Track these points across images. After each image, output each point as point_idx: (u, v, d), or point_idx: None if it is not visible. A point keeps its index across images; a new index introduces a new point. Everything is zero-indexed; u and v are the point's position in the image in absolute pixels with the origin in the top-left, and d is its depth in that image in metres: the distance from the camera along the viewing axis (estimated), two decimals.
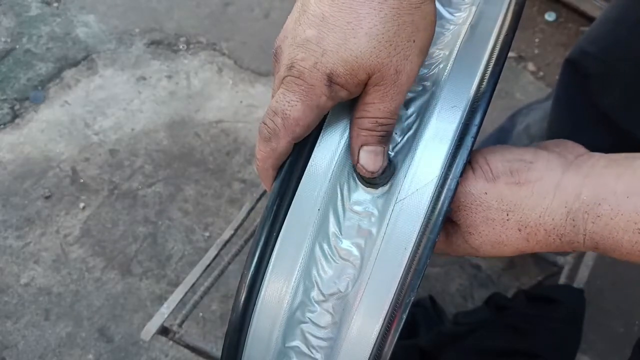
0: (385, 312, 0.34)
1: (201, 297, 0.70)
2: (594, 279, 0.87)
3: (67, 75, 1.37)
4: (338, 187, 0.36)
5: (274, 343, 0.36)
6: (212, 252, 0.71)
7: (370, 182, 0.35)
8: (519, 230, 0.34)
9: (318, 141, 0.35)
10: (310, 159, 0.35)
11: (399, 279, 0.33)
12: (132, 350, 0.98)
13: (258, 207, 0.73)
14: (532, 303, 0.82)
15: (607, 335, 0.98)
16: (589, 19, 1.47)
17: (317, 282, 0.35)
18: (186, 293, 0.68)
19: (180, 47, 1.44)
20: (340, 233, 0.35)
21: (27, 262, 1.08)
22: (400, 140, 0.36)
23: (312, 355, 0.36)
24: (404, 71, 0.32)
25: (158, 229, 1.13)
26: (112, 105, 1.32)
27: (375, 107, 0.33)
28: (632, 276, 1.06)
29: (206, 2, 1.55)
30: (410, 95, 0.36)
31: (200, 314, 1.02)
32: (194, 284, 0.69)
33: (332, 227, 0.35)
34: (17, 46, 1.41)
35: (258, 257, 0.35)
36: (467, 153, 0.34)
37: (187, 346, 0.70)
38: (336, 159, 0.35)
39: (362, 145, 0.34)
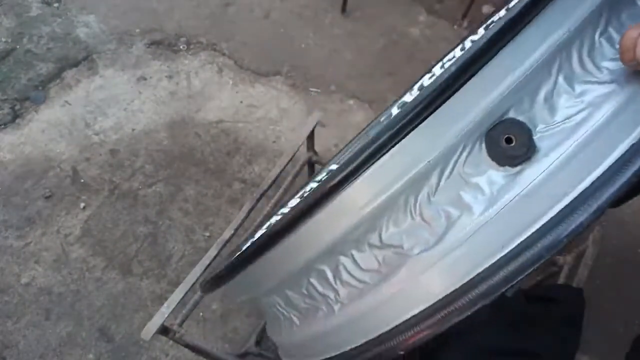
0: (441, 296, 0.29)
1: (201, 297, 0.70)
2: (593, 279, 0.87)
3: (68, 75, 1.37)
4: (461, 146, 0.30)
5: (304, 256, 0.33)
6: (212, 252, 0.71)
7: (498, 156, 0.29)
8: None
9: (465, 86, 0.29)
10: (451, 99, 0.29)
11: (480, 271, 0.29)
12: (132, 350, 0.98)
13: (258, 207, 0.74)
14: (532, 303, 0.82)
15: (606, 335, 0.98)
16: None
17: (381, 228, 0.32)
18: (186, 293, 0.68)
19: (181, 47, 1.44)
20: (434, 193, 0.31)
21: (28, 261, 1.08)
22: (557, 125, 0.29)
23: (334, 286, 0.34)
24: None
25: (158, 228, 1.13)
26: (113, 105, 1.32)
27: None
28: (632, 276, 1.06)
29: (206, 3, 1.55)
30: (590, 78, 0.29)
31: (201, 313, 1.02)
32: (194, 284, 0.69)
33: (430, 183, 0.31)
34: (18, 46, 1.42)
35: (350, 171, 0.30)
36: (634, 174, 0.27)
37: (188, 346, 0.70)
38: (478, 112, 0.30)
39: None
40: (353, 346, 0.33)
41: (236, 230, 0.73)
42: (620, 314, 1.02)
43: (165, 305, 0.66)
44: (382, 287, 0.32)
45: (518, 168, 0.29)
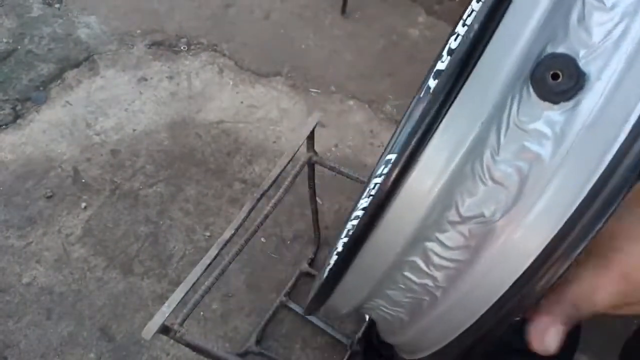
0: (534, 256, 0.28)
1: (202, 297, 0.70)
2: None
3: (69, 75, 1.38)
4: (509, 97, 0.29)
5: (391, 253, 0.33)
6: (213, 252, 0.71)
7: (550, 95, 0.28)
8: None
9: (492, 39, 0.28)
10: (482, 56, 0.28)
11: (565, 220, 0.28)
12: (133, 349, 0.99)
13: (258, 207, 0.74)
14: None
15: (605, 334, 0.98)
16: None
17: (456, 203, 0.31)
18: (187, 292, 0.68)
19: (181, 48, 1.45)
20: (498, 152, 0.30)
21: (29, 261, 1.08)
22: (598, 45, 0.28)
23: (430, 273, 0.33)
24: None
25: (159, 228, 1.13)
26: (114, 105, 1.32)
27: None
28: None
29: (207, 4, 1.55)
30: None
31: (202, 313, 1.03)
32: (195, 283, 0.69)
33: (490, 144, 0.30)
34: (19, 47, 1.42)
35: (406, 161, 0.29)
36: None
37: (188, 345, 0.70)
38: (514, 60, 0.28)
39: None
40: (470, 324, 0.32)
41: (237, 230, 0.73)
42: None
43: (166, 304, 0.66)
44: (478, 260, 0.31)
45: (574, 100, 0.28)
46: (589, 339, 0.94)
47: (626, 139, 0.27)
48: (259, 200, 0.75)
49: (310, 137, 0.79)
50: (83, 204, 1.16)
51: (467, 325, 0.32)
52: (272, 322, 1.02)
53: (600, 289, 0.30)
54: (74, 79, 1.37)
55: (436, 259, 0.32)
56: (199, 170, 1.22)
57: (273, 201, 0.77)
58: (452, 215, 0.31)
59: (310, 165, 0.85)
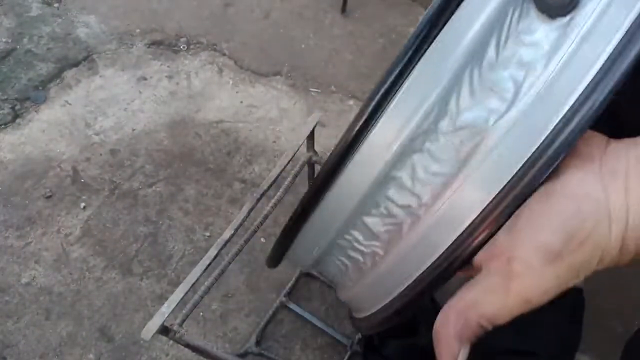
0: (527, 156, 0.29)
1: (202, 297, 0.70)
2: (593, 278, 0.87)
3: (68, 75, 1.37)
4: (511, 8, 0.30)
5: (381, 166, 0.32)
6: (212, 252, 0.71)
7: (548, 9, 0.30)
8: None
9: None
10: None
11: (559, 119, 0.28)
12: (132, 350, 0.99)
13: (258, 207, 0.74)
14: None
15: (606, 334, 0.98)
16: None
17: (451, 111, 0.31)
18: (187, 292, 0.68)
19: (181, 47, 1.45)
20: (496, 60, 0.30)
21: (28, 261, 1.08)
22: None
23: (414, 190, 0.32)
24: None
25: (159, 228, 1.13)
26: (113, 105, 1.32)
27: None
28: (632, 275, 1.06)
29: (207, 3, 1.55)
30: None
31: (201, 313, 1.02)
32: (194, 284, 0.69)
33: (490, 53, 0.30)
34: (18, 46, 1.42)
35: (403, 65, 0.30)
36: None
37: (188, 345, 0.70)
38: None
39: None
40: (449, 243, 0.31)
41: (236, 230, 0.73)
42: (619, 314, 1.02)
43: (165, 305, 0.66)
44: (466, 168, 0.30)
45: (569, 16, 0.29)
46: (590, 339, 0.93)
47: (613, 51, 0.28)
48: (258, 200, 0.74)
49: (310, 137, 0.79)
50: (82, 204, 1.16)
51: (447, 243, 0.32)
52: (272, 322, 1.02)
53: (504, 314, 0.31)
54: (73, 78, 1.37)
55: (423, 174, 0.31)
56: (199, 169, 1.22)
57: (273, 201, 0.77)
58: (445, 125, 0.31)
59: (310, 165, 0.84)
